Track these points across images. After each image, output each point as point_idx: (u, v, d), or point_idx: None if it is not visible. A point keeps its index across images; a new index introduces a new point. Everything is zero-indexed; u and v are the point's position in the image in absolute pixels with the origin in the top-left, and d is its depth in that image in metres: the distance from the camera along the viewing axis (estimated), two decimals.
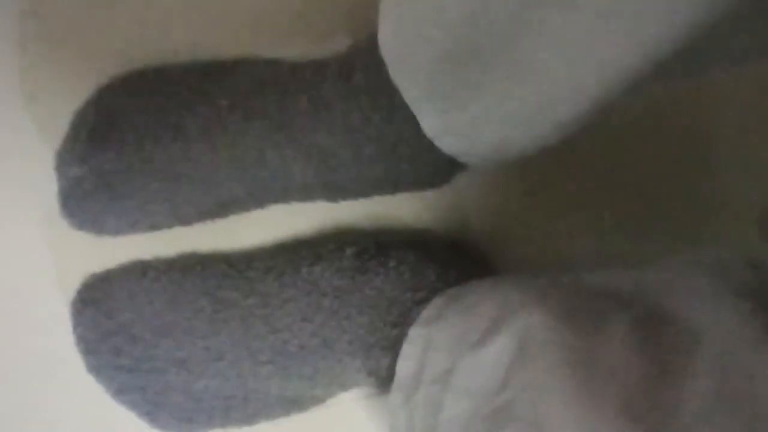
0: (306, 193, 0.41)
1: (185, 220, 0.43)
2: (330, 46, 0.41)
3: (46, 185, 0.43)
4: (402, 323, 0.39)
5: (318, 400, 0.44)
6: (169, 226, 0.43)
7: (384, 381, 0.40)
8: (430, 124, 0.36)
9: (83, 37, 0.44)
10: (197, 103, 0.41)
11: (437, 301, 0.38)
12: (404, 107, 0.36)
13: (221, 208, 0.42)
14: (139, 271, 0.44)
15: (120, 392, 0.43)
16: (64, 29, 0.44)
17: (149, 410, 0.42)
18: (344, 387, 0.42)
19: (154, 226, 0.43)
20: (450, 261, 0.43)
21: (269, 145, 0.39)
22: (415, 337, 0.36)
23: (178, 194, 0.41)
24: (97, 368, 0.43)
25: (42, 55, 0.44)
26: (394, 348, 0.38)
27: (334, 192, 0.41)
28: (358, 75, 0.37)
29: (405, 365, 0.36)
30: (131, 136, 0.41)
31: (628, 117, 0.46)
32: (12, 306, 0.45)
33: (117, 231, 0.43)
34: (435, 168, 0.39)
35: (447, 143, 0.37)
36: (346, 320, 0.40)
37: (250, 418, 0.43)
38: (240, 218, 0.44)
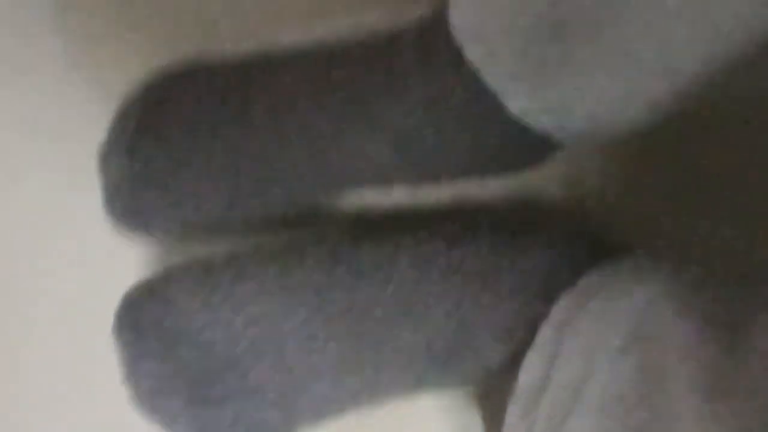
0: (384, 177, 0.39)
1: (246, 217, 0.40)
2: (400, 16, 0.39)
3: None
4: (551, 302, 0.36)
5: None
6: (227, 224, 0.40)
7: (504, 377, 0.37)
8: (516, 105, 0.34)
9: (126, 27, 0.43)
10: (261, 84, 0.39)
11: (566, 300, 0.35)
12: None
13: (289, 197, 0.39)
14: (203, 271, 0.38)
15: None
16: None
17: None
18: (469, 382, 0.40)
19: (209, 225, 0.40)
20: (590, 245, 0.39)
21: (345, 124, 0.37)
22: (542, 344, 0.34)
23: (241, 186, 0.38)
24: (170, 411, 0.37)
25: (85, 48, 0.44)
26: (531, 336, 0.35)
27: (415, 175, 0.39)
28: (438, 45, 0.36)
29: (529, 374, 0.34)
30: (185, 123, 0.39)
31: None
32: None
33: (167, 231, 0.40)
34: (527, 146, 0.37)
35: (537, 120, 0.35)
36: (493, 302, 0.37)
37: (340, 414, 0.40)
38: None
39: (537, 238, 0.39)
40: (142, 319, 0.37)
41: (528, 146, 0.37)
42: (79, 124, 0.44)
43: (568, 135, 0.36)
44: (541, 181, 0.43)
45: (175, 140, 0.39)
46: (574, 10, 0.28)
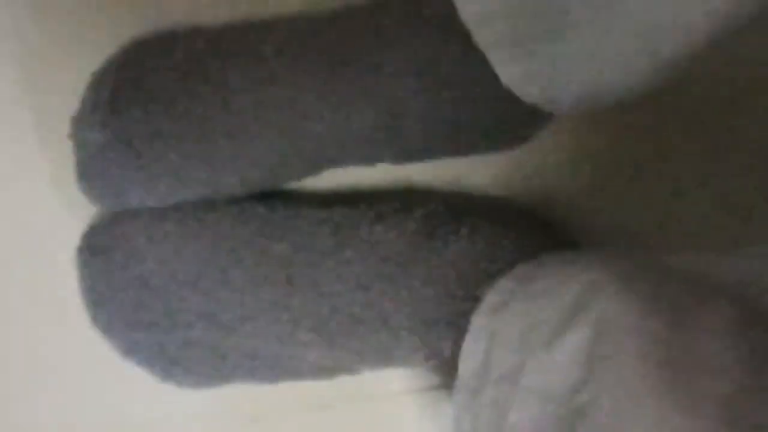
0: (367, 151, 0.38)
1: (224, 190, 0.39)
2: None
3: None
4: (472, 297, 0.36)
5: (355, 372, 0.41)
6: (205, 197, 0.39)
7: (443, 364, 0.37)
8: (508, 71, 0.33)
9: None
10: (238, 54, 0.38)
11: (503, 285, 0.35)
12: None
13: (267, 174, 0.39)
14: (159, 213, 0.39)
15: (132, 351, 0.39)
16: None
17: (164, 367, 0.40)
18: (393, 365, 0.39)
19: (186, 198, 0.39)
20: (528, 231, 0.39)
21: (324, 89, 0.36)
22: (479, 329, 0.34)
23: (217, 158, 0.38)
24: (106, 325, 0.39)
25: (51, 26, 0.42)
26: (460, 325, 0.35)
27: (400, 148, 0.38)
28: (429, 7, 0.35)
29: (469, 362, 0.33)
30: (160, 93, 0.38)
31: (739, 66, 0.42)
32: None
33: (142, 205, 0.39)
34: (517, 118, 0.36)
35: (528, 92, 0.34)
36: (407, 291, 0.37)
37: (275, 378, 0.40)
38: None
39: (461, 229, 0.38)
40: (98, 244, 0.40)
41: (519, 116, 0.36)
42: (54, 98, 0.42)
43: (558, 107, 0.35)
44: (504, 170, 0.43)
45: (151, 109, 0.38)
46: None
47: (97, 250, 0.39)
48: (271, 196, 0.41)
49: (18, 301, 0.43)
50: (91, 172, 0.39)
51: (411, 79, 0.35)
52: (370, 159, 0.39)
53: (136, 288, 0.39)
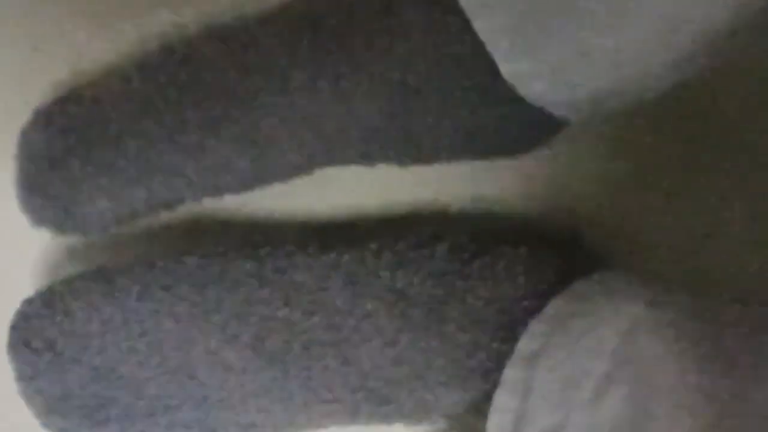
0: (371, 147, 0.34)
1: (198, 197, 0.34)
2: None
3: None
4: (512, 338, 0.32)
5: None
6: (173, 207, 0.35)
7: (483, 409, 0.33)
8: (509, 66, 0.31)
9: None
10: (226, 34, 0.34)
11: (536, 329, 0.32)
12: None
13: (257, 176, 0.34)
14: (111, 286, 0.33)
15: None
16: None
17: None
18: (428, 422, 0.35)
19: (147, 210, 0.34)
20: (563, 255, 0.35)
21: (324, 72, 0.32)
22: (513, 382, 0.31)
23: (192, 160, 0.33)
24: (63, 429, 0.33)
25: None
26: (500, 370, 0.32)
27: (406, 147, 0.34)
28: None
29: (499, 417, 0.31)
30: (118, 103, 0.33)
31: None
32: None
33: (92, 226, 0.34)
34: (532, 119, 0.34)
35: (532, 90, 0.32)
36: (438, 340, 0.33)
37: None
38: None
39: (497, 261, 0.34)
40: (36, 335, 0.32)
41: (531, 120, 0.34)
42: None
43: (566, 109, 0.33)
44: (524, 188, 0.40)
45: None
46: None
47: (36, 343, 0.32)
48: (258, 246, 0.35)
49: None
50: (28, 186, 0.34)
51: (424, 68, 0.32)
52: (373, 156, 0.35)
53: (97, 381, 0.32)
